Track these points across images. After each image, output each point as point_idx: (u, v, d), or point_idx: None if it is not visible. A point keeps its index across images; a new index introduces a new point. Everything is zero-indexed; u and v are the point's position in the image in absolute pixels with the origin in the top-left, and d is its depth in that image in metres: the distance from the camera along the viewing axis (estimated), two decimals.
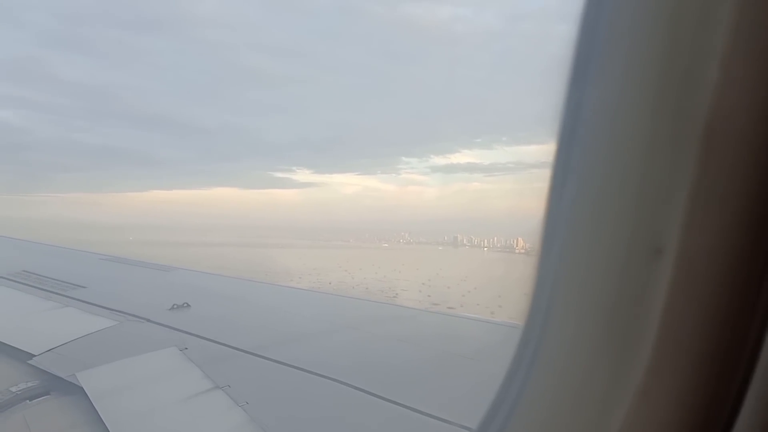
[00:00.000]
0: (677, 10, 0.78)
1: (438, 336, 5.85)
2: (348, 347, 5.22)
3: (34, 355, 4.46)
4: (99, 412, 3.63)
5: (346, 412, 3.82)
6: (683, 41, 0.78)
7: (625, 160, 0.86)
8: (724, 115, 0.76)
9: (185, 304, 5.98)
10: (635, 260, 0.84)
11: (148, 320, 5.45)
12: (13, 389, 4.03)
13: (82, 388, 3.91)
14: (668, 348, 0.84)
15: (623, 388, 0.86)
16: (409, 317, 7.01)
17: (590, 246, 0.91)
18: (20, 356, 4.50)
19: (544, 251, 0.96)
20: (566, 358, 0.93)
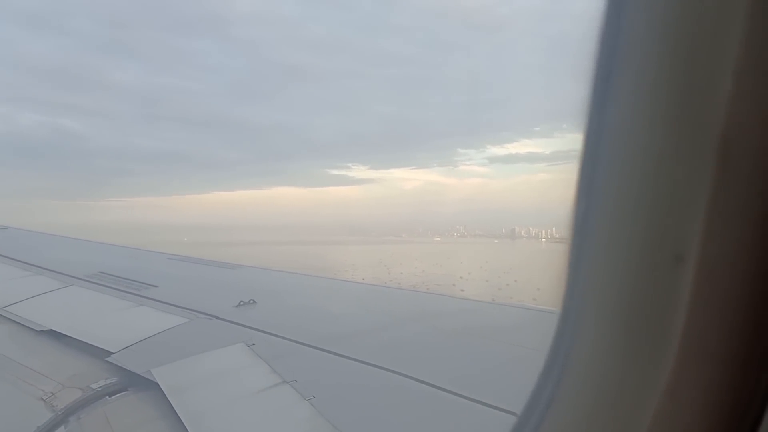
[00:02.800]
0: (691, 24, 0.80)
1: (500, 327, 5.73)
2: (409, 340, 5.18)
3: (112, 353, 4.66)
4: (174, 407, 3.74)
5: (410, 405, 3.79)
6: (698, 55, 0.80)
7: (645, 171, 0.88)
8: (738, 126, 0.78)
9: (251, 301, 6.09)
10: (658, 267, 0.86)
11: (217, 317, 5.58)
12: (94, 386, 4.22)
13: (157, 383, 4.04)
14: (693, 351, 0.86)
15: (651, 389, 0.88)
16: (471, 310, 6.90)
17: (614, 253, 0.93)
18: (99, 354, 4.71)
19: (571, 258, 0.99)
20: (595, 360, 0.95)
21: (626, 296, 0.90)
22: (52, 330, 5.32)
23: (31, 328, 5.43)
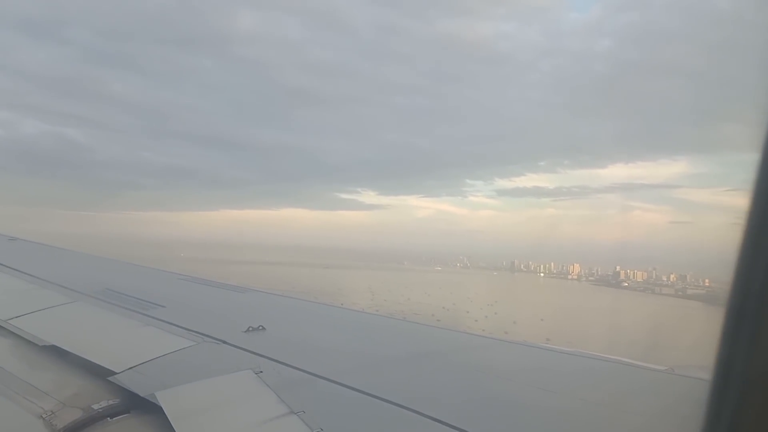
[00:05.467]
0: None
1: (519, 366, 5.67)
2: (421, 375, 5.10)
3: (116, 373, 4.55)
4: None
5: None
6: None
7: None
8: None
9: (260, 327, 5.99)
10: None
11: (224, 342, 5.48)
12: (95, 406, 4.11)
13: (160, 407, 3.94)
14: None
15: None
16: (487, 346, 6.81)
17: None
18: (102, 373, 4.61)
19: (736, 308, 0.88)
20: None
21: None
22: (54, 346, 5.24)
23: (34, 343, 5.35)
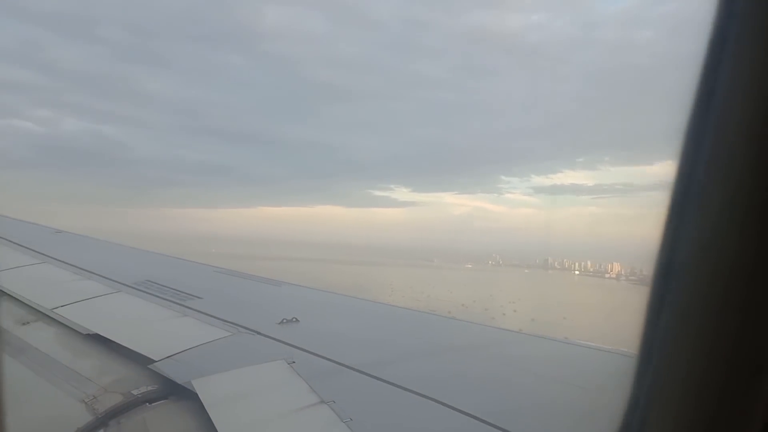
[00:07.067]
0: None
1: (548, 360, 5.62)
2: (444, 367, 5.13)
3: (155, 361, 4.72)
4: (212, 418, 3.76)
5: None
6: None
7: (728, 282, 0.84)
8: None
9: (294, 319, 6.10)
10: (736, 377, 0.84)
11: (258, 333, 5.60)
12: (135, 392, 4.28)
13: (196, 394, 4.06)
14: None
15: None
16: (518, 341, 6.77)
17: (692, 360, 0.90)
18: (142, 361, 4.79)
19: (642, 362, 0.94)
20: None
21: (700, 405, 0.86)
22: (97, 334, 5.44)
23: (78, 332, 5.56)
